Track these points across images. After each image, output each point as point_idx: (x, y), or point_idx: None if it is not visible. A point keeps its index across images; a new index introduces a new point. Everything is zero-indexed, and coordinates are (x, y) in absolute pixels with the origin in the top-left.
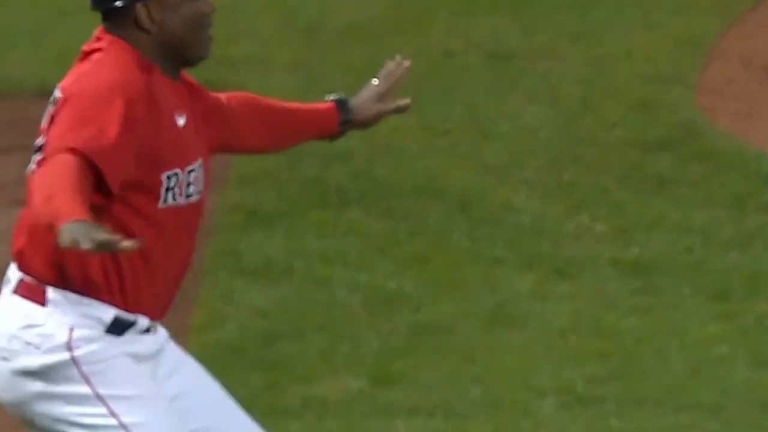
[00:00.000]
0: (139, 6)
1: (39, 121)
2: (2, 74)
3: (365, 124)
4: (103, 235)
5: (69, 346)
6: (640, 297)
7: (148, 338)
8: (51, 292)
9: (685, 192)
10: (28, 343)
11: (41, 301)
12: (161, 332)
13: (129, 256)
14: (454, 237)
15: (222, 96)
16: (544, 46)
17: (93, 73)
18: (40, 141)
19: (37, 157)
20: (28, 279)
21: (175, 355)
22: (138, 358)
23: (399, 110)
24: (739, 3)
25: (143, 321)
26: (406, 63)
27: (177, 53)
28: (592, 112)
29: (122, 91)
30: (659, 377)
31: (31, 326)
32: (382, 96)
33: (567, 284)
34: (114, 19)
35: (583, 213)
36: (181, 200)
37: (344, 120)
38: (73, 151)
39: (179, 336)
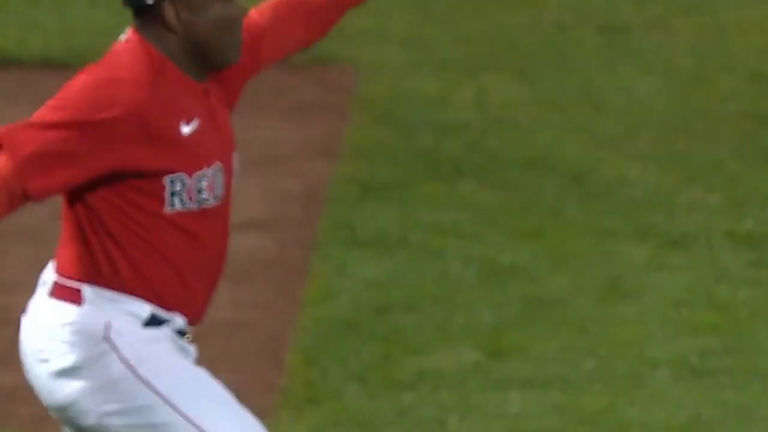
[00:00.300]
0: (167, 5)
1: (44, 94)
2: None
3: None
4: None
5: (107, 337)
6: (753, 270)
7: (180, 341)
8: (87, 291)
9: None
10: (66, 342)
11: (77, 300)
12: (192, 349)
13: (153, 259)
14: (567, 210)
15: (255, 17)
16: (656, 18)
17: (90, 72)
18: None
19: None
20: (62, 280)
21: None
22: (177, 346)
23: None
24: None
25: (178, 320)
26: None
27: (203, 55)
28: (705, 85)
29: (96, 105)
30: None
31: (67, 324)
32: None
33: (681, 256)
34: (144, 16)
35: (696, 185)
36: (193, 205)
37: None
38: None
39: (292, 309)
